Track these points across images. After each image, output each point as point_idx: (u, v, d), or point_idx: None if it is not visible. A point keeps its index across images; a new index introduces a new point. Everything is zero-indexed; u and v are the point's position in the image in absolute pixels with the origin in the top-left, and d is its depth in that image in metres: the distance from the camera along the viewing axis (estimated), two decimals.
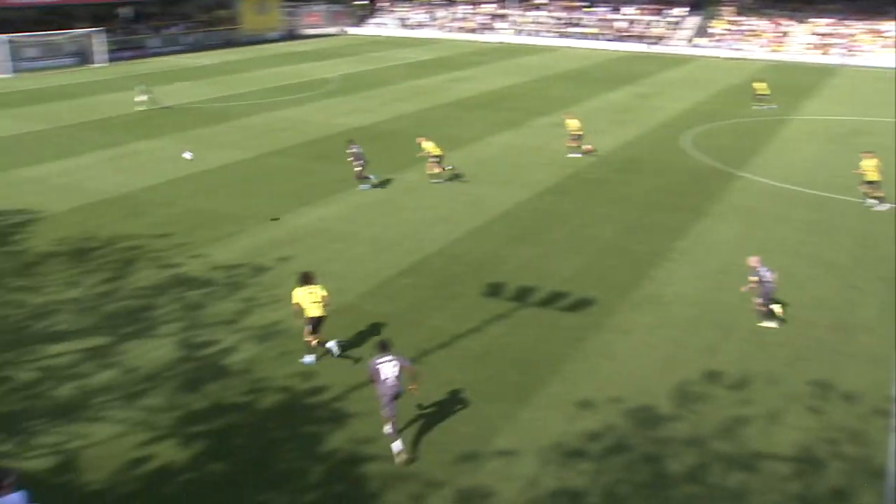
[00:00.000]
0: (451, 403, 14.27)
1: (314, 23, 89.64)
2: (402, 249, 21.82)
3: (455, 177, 28.97)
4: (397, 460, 12.58)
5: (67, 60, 61.52)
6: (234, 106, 43.79)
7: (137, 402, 14.32)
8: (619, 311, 18.16)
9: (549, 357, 15.98)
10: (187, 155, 23.97)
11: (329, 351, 15.75)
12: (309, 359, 15.67)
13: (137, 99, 42.42)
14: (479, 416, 13.87)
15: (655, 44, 75.66)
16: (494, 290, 19.10)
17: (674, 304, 18.54)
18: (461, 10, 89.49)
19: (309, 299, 15.23)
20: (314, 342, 15.52)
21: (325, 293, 15.42)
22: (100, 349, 16.22)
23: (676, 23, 78.79)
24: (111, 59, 62.74)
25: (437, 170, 28.40)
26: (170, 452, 12.88)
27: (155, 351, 16.15)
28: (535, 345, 16.50)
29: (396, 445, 12.65)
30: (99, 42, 61.94)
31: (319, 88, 50.14)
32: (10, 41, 56.59)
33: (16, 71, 56.45)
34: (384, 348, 13.10)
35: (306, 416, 13.89)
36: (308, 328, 15.39)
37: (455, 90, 49.62)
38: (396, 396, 12.77)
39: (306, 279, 15.49)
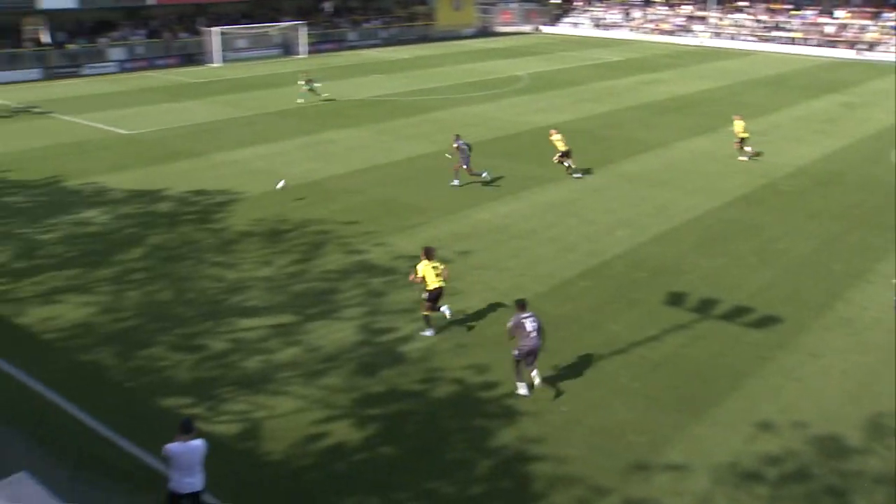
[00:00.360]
0: (624, 411, 14.05)
1: (508, 20, 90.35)
2: (583, 251, 21.65)
3: (586, 171, 29.02)
4: (536, 384, 14.42)
5: (272, 51, 65.16)
6: (425, 100, 44.89)
7: (317, 380, 15.01)
8: (809, 331, 17.21)
9: (729, 373, 15.39)
10: (280, 184, 26.21)
11: (444, 314, 16.79)
12: (429, 332, 16.65)
13: (309, 87, 43.89)
14: (651, 426, 13.58)
15: (867, 50, 70.88)
16: (676, 300, 18.59)
17: (870, 329, 17.35)
18: (658, 11, 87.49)
19: (433, 273, 16.30)
20: (432, 313, 16.66)
21: (444, 266, 16.64)
22: (286, 327, 17.12)
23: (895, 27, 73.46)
24: (311, 51, 65.90)
25: (571, 163, 28.68)
26: (344, 432, 13.42)
27: (337, 333, 16.86)
28: (715, 359, 15.93)
29: (523, 388, 14.37)
30: (301, 34, 65.22)
31: (510, 86, 50.50)
32: (222, 33, 60.63)
33: (225, 61, 60.37)
34: (523, 307, 14.37)
35: (477, 410, 14.08)
36: (428, 303, 16.46)
37: (646, 92, 48.60)
38: (535, 351, 14.15)
39: (429, 254, 16.55)
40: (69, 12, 57.38)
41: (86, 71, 55.92)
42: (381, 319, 17.47)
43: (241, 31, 63.34)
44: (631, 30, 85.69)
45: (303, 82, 43.91)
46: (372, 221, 23.80)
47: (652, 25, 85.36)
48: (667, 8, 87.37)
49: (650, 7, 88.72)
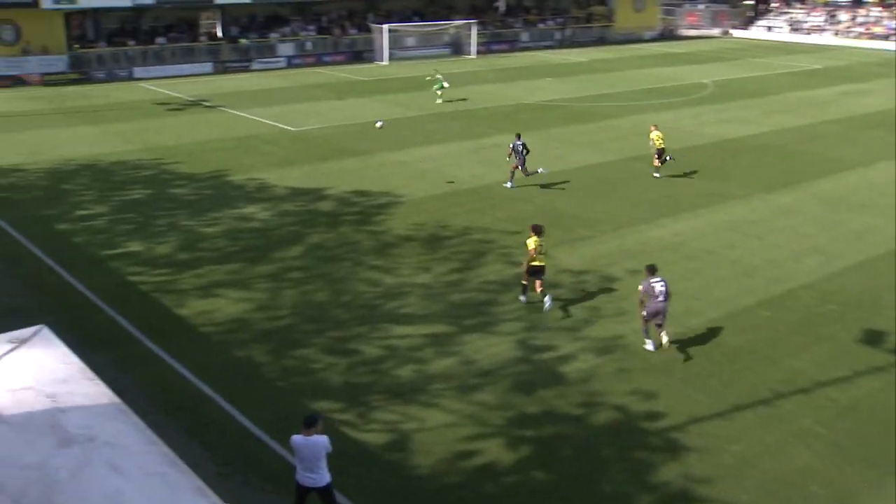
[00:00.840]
0: (806, 457, 13.41)
1: (694, 23, 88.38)
2: (765, 277, 20.85)
3: (687, 174, 29.15)
4: (664, 343, 16.67)
5: (441, 50, 66.54)
6: (599, 106, 44.58)
7: (471, 395, 15.17)
8: None
9: None
10: (379, 123, 30.33)
11: (544, 303, 18.42)
12: (545, 300, 18.45)
13: (438, 83, 45.12)
14: (838, 478, 12.88)
15: None
16: (872, 339, 17.57)
17: None
18: (870, 13, 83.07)
19: (538, 250, 18.18)
20: (541, 287, 18.42)
21: (544, 247, 18.53)
22: (441, 337, 17.40)
23: None
24: (481, 52, 66.77)
25: (656, 163, 29.55)
26: (496, 451, 13.49)
27: (493, 347, 16.98)
28: None
29: (650, 344, 16.77)
30: (473, 34, 66.15)
31: (693, 94, 49.37)
32: (391, 30, 62.41)
33: (393, 59, 62.08)
34: (653, 271, 16.60)
35: (639, 441, 13.82)
36: (526, 273, 18.52)
37: (850, 105, 46.26)
38: (660, 313, 16.33)
39: (539, 231, 18.38)
40: (242, 6, 60.84)
41: (255, 66, 59.07)
42: (541, 336, 17.47)
43: (411, 29, 65.03)
44: (836, 34, 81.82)
45: (440, 76, 45.26)
46: None
47: (861, 29, 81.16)
48: (880, 9, 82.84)
49: (861, 8, 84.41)
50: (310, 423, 10.87)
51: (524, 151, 27.88)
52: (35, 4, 52.11)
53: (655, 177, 29.62)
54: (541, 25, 75.83)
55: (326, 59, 62.17)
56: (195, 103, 45.13)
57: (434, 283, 20.21)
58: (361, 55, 63.50)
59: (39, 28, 53.16)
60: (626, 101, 46.42)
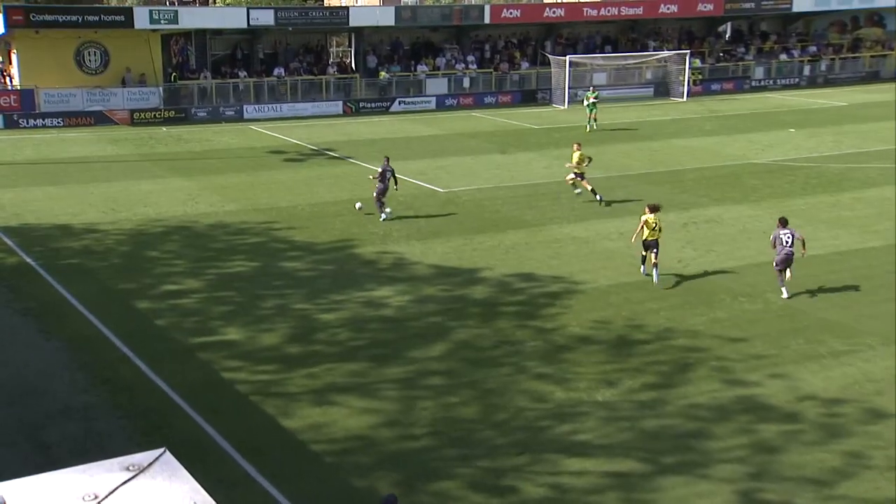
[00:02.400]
0: None
1: None
2: None
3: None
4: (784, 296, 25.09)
5: (639, 91, 66.86)
6: (862, 169, 43.45)
7: None
8: None
9: None
10: (358, 205, 34.00)
11: (649, 274, 26.86)
12: (643, 269, 27.39)
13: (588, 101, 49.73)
14: None
15: None
16: None
17: None
18: None
19: (650, 225, 26.04)
20: (655, 260, 26.49)
21: (660, 223, 26.37)
22: (630, 477, 17.03)
23: None
24: (696, 93, 66.58)
25: (580, 184, 36.33)
26: None
27: (703, 498, 16.42)
28: None
29: (784, 291, 25.51)
30: (685, 70, 65.94)
31: None
32: (573, 63, 62.79)
33: (574, 101, 62.24)
34: (784, 224, 25.02)
35: None
36: (643, 249, 26.76)
37: None
38: (789, 259, 24.93)
39: (653, 209, 26.31)
40: (382, 31, 63.02)
41: (396, 106, 60.93)
42: (773, 488, 16.78)
43: (600, 63, 65.38)
44: None
45: (592, 94, 47.26)
46: (768, 341, 23.18)
47: None
48: None
49: None
50: None
51: (391, 180, 33.19)
52: (128, 23, 55.44)
53: (577, 193, 36.60)
54: (782, 57, 74.93)
55: (488, 99, 63.52)
56: (318, 153, 46.81)
57: (621, 403, 19.89)
58: (534, 96, 64.55)
59: (132, 53, 56.81)
60: None
